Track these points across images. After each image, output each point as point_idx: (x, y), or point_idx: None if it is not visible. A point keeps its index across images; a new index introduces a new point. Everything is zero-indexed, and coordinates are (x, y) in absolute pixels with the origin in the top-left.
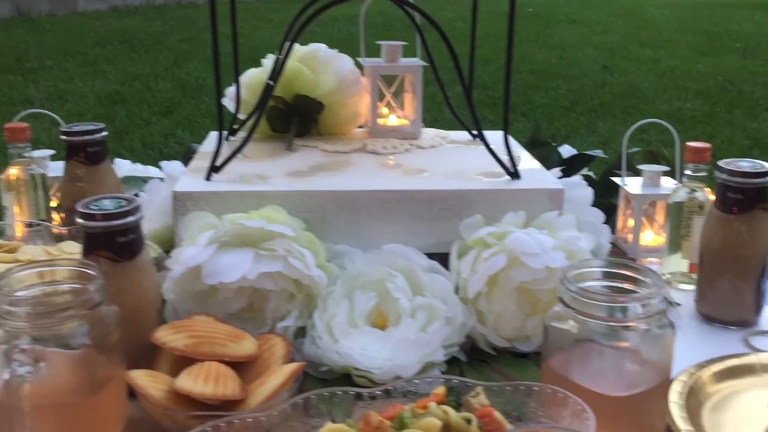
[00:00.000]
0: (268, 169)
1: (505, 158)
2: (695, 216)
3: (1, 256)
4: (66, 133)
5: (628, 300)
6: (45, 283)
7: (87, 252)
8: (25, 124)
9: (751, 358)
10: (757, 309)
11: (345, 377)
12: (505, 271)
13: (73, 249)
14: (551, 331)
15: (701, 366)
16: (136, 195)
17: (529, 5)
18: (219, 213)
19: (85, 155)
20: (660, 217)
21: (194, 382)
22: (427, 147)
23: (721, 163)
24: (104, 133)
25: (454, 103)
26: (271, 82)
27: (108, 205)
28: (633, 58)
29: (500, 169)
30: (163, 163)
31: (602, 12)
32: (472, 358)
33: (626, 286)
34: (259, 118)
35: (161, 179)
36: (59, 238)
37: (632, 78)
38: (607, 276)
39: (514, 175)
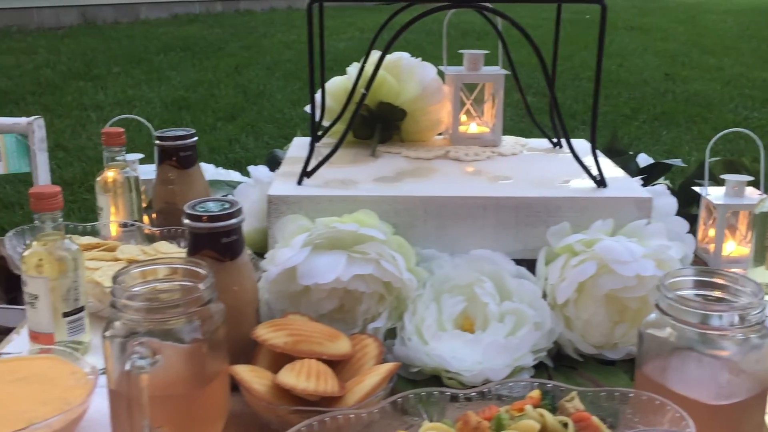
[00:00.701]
0: (354, 175)
1: (591, 166)
2: None
3: (101, 254)
4: (159, 138)
5: (727, 309)
6: (158, 280)
7: (192, 252)
8: (120, 129)
9: None
10: None
11: (434, 379)
12: (594, 279)
13: (167, 249)
14: (646, 338)
15: None
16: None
17: (587, 12)
18: (311, 216)
19: (176, 159)
20: (743, 227)
21: (297, 377)
22: (508, 154)
23: None
24: (195, 139)
25: (513, 112)
26: (364, 91)
27: (212, 207)
28: (695, 66)
29: (585, 177)
30: (251, 168)
31: (662, 19)
32: (559, 364)
33: (723, 295)
34: (350, 125)
35: (239, 183)
36: (150, 238)
37: (695, 86)
38: (703, 285)
39: (601, 183)
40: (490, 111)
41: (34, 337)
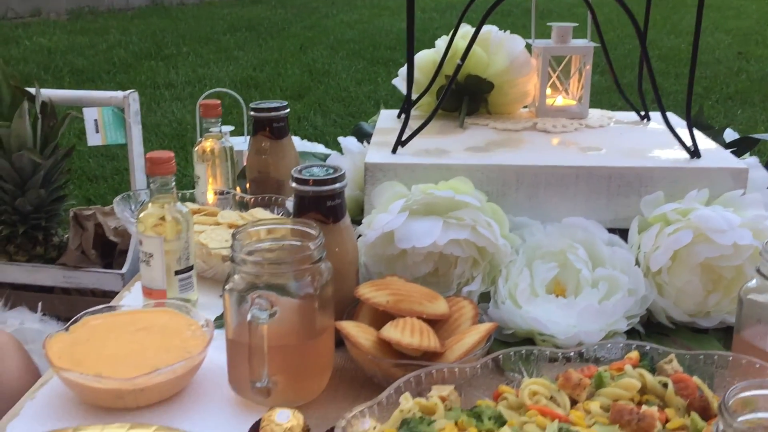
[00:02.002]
0: (446, 145)
1: (685, 137)
2: None
3: (203, 218)
4: (254, 110)
5: None
6: (272, 239)
7: (297, 214)
8: (217, 101)
9: None
10: None
11: (527, 341)
12: (690, 247)
13: (263, 215)
14: (747, 303)
15: None
16: None
17: None
18: (405, 183)
19: (270, 130)
20: None
21: (402, 333)
22: (596, 126)
23: None
24: (287, 111)
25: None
26: (460, 62)
27: (318, 172)
28: None
29: (676, 149)
30: (341, 139)
31: None
32: (650, 332)
33: None
34: (444, 96)
35: (324, 155)
36: (244, 206)
37: None
38: None
39: (695, 153)
40: (576, 84)
41: (148, 293)
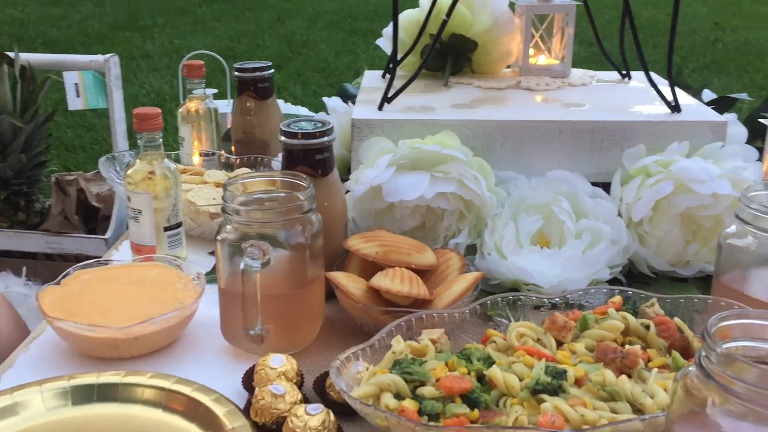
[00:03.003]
0: (431, 102)
1: (666, 94)
2: None
3: (190, 177)
4: (239, 70)
5: None
6: (262, 191)
7: (287, 168)
8: (200, 62)
9: None
10: None
11: (513, 291)
12: (670, 197)
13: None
14: (726, 248)
15: None
16: None
17: None
18: (392, 139)
19: (255, 90)
20: None
21: (392, 281)
22: (578, 85)
23: None
24: (272, 71)
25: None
26: (445, 18)
27: (306, 126)
28: (745, 15)
29: (657, 104)
30: (326, 99)
31: None
32: (631, 281)
33: None
34: (429, 53)
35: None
36: (229, 167)
37: (745, 35)
38: None
39: (675, 108)
40: (559, 43)
41: (137, 249)
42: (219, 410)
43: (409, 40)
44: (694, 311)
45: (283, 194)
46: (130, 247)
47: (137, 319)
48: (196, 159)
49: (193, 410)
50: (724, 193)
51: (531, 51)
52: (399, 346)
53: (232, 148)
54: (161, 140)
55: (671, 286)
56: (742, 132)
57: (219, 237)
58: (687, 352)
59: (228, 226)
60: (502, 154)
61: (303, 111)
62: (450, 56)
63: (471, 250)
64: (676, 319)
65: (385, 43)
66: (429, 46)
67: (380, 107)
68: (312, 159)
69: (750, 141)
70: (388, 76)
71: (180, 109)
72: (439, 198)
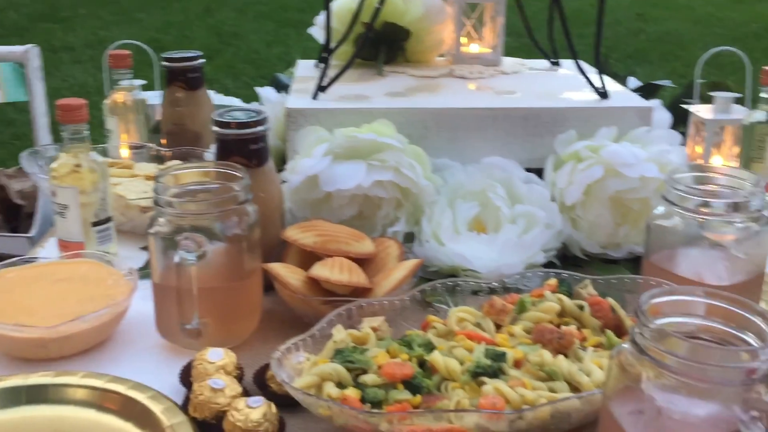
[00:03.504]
0: (366, 90)
1: (594, 79)
2: None
3: (119, 171)
4: (167, 60)
5: (730, 196)
6: (196, 182)
7: (220, 158)
8: (127, 52)
9: None
10: None
11: (451, 278)
12: (601, 181)
13: None
14: (654, 229)
15: None
16: None
17: None
18: (327, 128)
19: (184, 81)
20: (729, 141)
21: (331, 271)
22: (510, 72)
23: None
24: (202, 61)
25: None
26: (378, 5)
27: (240, 115)
28: (667, 6)
29: (586, 91)
30: (258, 89)
31: None
32: (565, 264)
33: (726, 186)
34: (363, 42)
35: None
36: (159, 160)
37: (667, 25)
38: (707, 180)
39: (604, 94)
40: (490, 32)
41: (64, 246)
42: (156, 408)
43: (341, 29)
44: (625, 291)
45: (217, 185)
46: (56, 245)
47: (67, 317)
48: (125, 152)
49: (129, 409)
50: (651, 176)
51: (464, 39)
52: (340, 335)
53: (162, 141)
54: (87, 132)
55: (603, 267)
56: (666, 117)
57: (152, 230)
58: (620, 331)
59: (161, 219)
60: (437, 142)
61: (235, 101)
62: (383, 45)
63: (409, 238)
64: (609, 299)
65: (317, 32)
66: (362, 34)
67: (314, 96)
68: (246, 149)
69: (673, 126)
70: (321, 65)
71: (106, 101)
72: (377, 186)
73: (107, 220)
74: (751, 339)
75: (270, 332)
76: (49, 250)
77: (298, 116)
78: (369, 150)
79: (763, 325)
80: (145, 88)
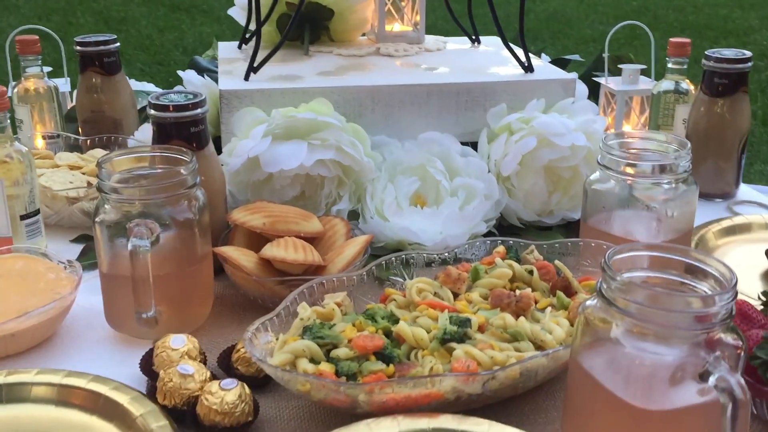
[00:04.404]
0: (296, 71)
1: (520, 54)
2: (678, 105)
3: (39, 162)
4: (80, 44)
5: (660, 158)
6: (139, 168)
7: (159, 143)
8: (35, 37)
9: (741, 219)
10: (737, 183)
11: (397, 252)
12: (534, 151)
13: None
14: (591, 193)
15: (701, 227)
16: None
17: None
18: (263, 109)
19: (101, 65)
20: (637, 110)
21: (285, 250)
22: (434, 50)
23: (708, 52)
24: (117, 45)
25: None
26: None
27: (177, 98)
28: None
29: (510, 66)
30: (181, 73)
31: None
32: (503, 233)
33: (655, 149)
34: (291, 23)
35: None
36: (77, 148)
37: (554, 5)
38: (637, 146)
39: (529, 68)
40: (411, 10)
41: None
42: (121, 398)
43: (263, 9)
44: (567, 255)
45: (161, 170)
46: None
47: (11, 314)
48: (40, 142)
49: (92, 402)
50: (580, 144)
51: (387, 18)
52: (306, 312)
53: (79, 129)
54: (9, 122)
55: (539, 234)
56: (583, 89)
57: (97, 219)
58: (568, 291)
59: (106, 206)
60: (373, 120)
61: (150, 87)
62: (307, 24)
63: (352, 216)
64: (557, 262)
65: (238, 13)
66: (285, 14)
67: (246, 77)
68: (186, 132)
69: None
70: (246, 46)
71: (15, 89)
72: (319, 165)
73: (36, 212)
74: (707, 288)
75: (224, 317)
76: None
77: (231, 98)
78: (308, 129)
79: (717, 275)
80: (50, 75)
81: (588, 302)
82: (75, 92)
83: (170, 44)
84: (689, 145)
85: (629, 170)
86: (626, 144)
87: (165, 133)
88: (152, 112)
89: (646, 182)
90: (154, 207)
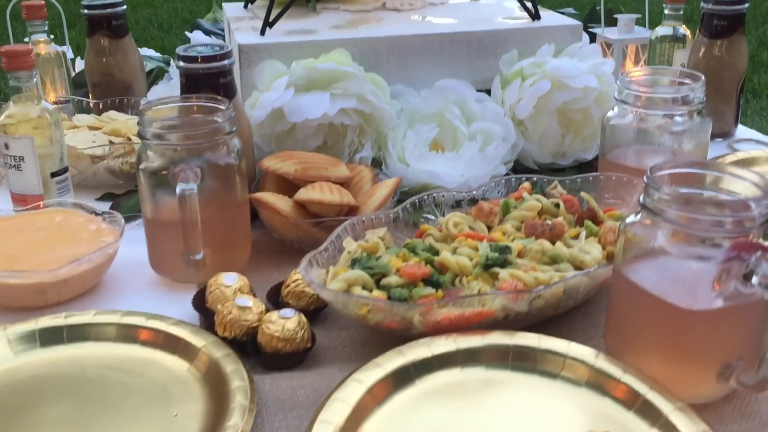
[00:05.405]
0: (310, 25)
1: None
2: (676, 50)
3: None
4: (88, 7)
5: (675, 91)
6: (179, 116)
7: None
8: (41, 2)
9: (744, 154)
10: (736, 122)
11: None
12: (548, 94)
13: (118, 116)
14: (609, 129)
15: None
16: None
17: None
18: (282, 62)
19: (109, 29)
20: (633, 58)
21: (321, 193)
22: (437, 4)
23: None
24: (124, 7)
25: None
26: None
27: (204, 50)
28: None
29: (516, 14)
30: (189, 33)
31: None
32: (519, 175)
33: (671, 83)
34: None
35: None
36: (86, 113)
37: None
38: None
39: (536, 16)
40: None
41: (21, 200)
42: (182, 333)
43: None
44: (588, 190)
45: (208, 117)
46: (9, 199)
47: (63, 261)
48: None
49: (153, 338)
50: (592, 86)
51: None
52: (352, 245)
53: (89, 94)
54: (37, 79)
55: (554, 175)
56: (585, 38)
57: (141, 166)
58: (595, 220)
59: (149, 154)
60: (388, 70)
61: (150, 52)
62: None
63: (374, 164)
64: (582, 194)
65: None
66: None
67: (262, 32)
68: (215, 83)
69: None
70: (252, 5)
71: None
72: (342, 114)
73: (65, 170)
74: (744, 197)
75: (261, 261)
76: None
77: (250, 52)
78: (329, 80)
79: (754, 184)
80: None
81: (629, 219)
82: (83, 58)
83: (145, 20)
84: (703, 78)
85: (646, 103)
86: (641, 80)
87: (194, 85)
88: (181, 63)
89: (661, 114)
90: (195, 152)
